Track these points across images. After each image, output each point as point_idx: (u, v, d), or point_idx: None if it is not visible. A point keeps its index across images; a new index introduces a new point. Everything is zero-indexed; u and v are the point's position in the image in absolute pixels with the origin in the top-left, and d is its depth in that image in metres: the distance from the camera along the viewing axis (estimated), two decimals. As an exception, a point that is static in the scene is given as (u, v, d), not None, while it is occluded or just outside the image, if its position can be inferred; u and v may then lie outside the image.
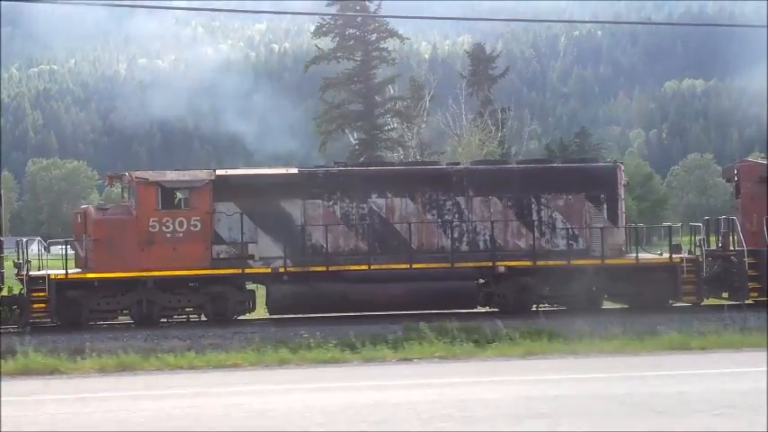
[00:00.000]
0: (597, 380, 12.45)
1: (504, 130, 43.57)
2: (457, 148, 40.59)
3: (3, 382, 12.81)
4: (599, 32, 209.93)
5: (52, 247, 22.56)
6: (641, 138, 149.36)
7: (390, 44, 43.76)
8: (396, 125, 42.76)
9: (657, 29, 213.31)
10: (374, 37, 42.51)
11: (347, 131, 43.38)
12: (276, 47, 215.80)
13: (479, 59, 48.93)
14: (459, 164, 23.37)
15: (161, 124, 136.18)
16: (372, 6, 42.66)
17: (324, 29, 42.26)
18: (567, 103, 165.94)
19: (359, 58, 42.14)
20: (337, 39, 42.28)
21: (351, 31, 42.27)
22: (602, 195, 21.58)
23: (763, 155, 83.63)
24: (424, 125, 41.91)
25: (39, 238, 25.85)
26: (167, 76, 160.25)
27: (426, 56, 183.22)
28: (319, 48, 42.97)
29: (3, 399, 10.81)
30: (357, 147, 42.62)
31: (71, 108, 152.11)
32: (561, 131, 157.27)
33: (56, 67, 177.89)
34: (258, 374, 13.71)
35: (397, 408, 10.10)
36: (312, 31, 43.49)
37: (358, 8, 42.16)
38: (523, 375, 12.91)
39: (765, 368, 12.08)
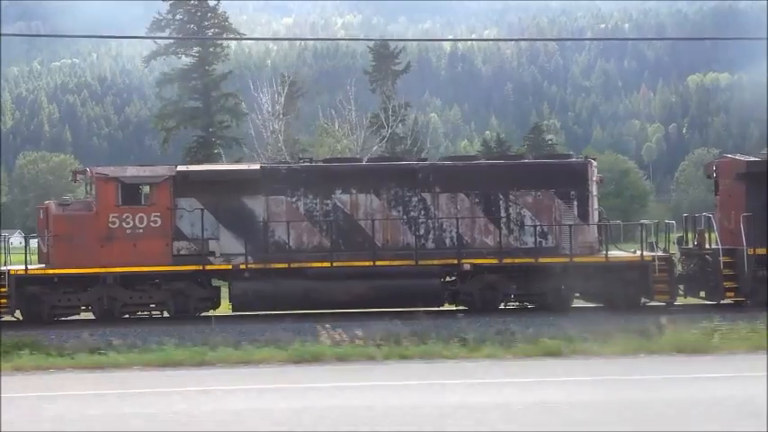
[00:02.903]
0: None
1: (393, 126, 42.89)
2: (335, 146, 40.25)
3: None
4: (626, 25, 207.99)
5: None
6: (660, 132, 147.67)
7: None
8: (228, 123, 42.56)
9: (686, 20, 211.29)
10: (211, 32, 42.17)
11: (189, 128, 43.16)
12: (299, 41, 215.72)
13: (382, 55, 48.24)
14: (425, 160, 23.00)
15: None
16: (212, 3, 42.34)
17: (162, 23, 41.85)
18: (589, 98, 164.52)
19: (196, 54, 41.83)
20: (175, 34, 41.92)
21: (190, 26, 41.85)
22: (573, 192, 21.08)
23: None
24: (280, 123, 41.44)
25: (7, 232, 25.82)
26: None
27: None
28: (157, 43, 42.67)
29: None
30: (194, 144, 42.39)
31: (87, 102, 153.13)
32: (582, 125, 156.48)
33: (77, 61, 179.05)
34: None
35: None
36: (148, 26, 42.89)
37: (194, 2, 41.88)
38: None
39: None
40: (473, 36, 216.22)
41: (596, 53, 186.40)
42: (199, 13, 41.52)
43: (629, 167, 69.73)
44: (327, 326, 15.71)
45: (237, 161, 35.53)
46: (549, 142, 64.43)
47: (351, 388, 11.43)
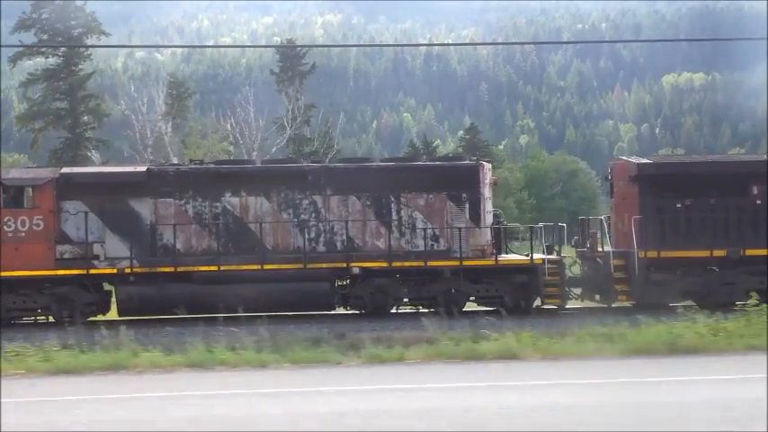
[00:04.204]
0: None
1: (294, 128, 42.60)
2: (215, 147, 39.99)
3: None
4: (603, 25, 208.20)
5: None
6: (632, 132, 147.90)
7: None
8: (93, 124, 42.47)
9: (662, 20, 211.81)
10: (77, 32, 41.93)
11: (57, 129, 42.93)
12: (278, 39, 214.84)
13: (287, 56, 47.69)
14: (318, 162, 22.85)
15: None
16: (79, 2, 42.13)
17: (28, 22, 41.48)
18: (563, 98, 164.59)
19: (62, 54, 41.59)
20: (41, 33, 41.56)
21: (57, 25, 41.51)
22: (464, 195, 20.91)
23: (742, 150, 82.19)
24: (166, 124, 41.20)
25: None
26: (159, 70, 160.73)
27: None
28: (22, 43, 42.37)
29: None
30: (60, 146, 42.19)
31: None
32: (556, 125, 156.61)
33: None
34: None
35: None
36: (13, 26, 42.30)
37: (59, 1, 41.67)
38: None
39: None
40: (451, 35, 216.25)
41: (572, 53, 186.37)
42: (65, 12, 41.19)
43: (579, 168, 69.55)
44: None
45: (104, 163, 35.30)
46: (485, 143, 64.01)
47: None
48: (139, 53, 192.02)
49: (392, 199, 20.88)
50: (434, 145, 58.56)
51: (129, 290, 20.17)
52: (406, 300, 21.12)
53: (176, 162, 24.48)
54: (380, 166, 21.46)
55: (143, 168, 21.19)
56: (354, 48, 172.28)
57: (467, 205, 20.95)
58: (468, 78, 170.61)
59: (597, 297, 21.65)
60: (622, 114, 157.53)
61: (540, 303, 21.08)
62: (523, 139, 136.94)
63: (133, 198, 20.39)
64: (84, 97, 42.35)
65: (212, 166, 21.76)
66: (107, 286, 21.16)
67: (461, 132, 73.22)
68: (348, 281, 21.02)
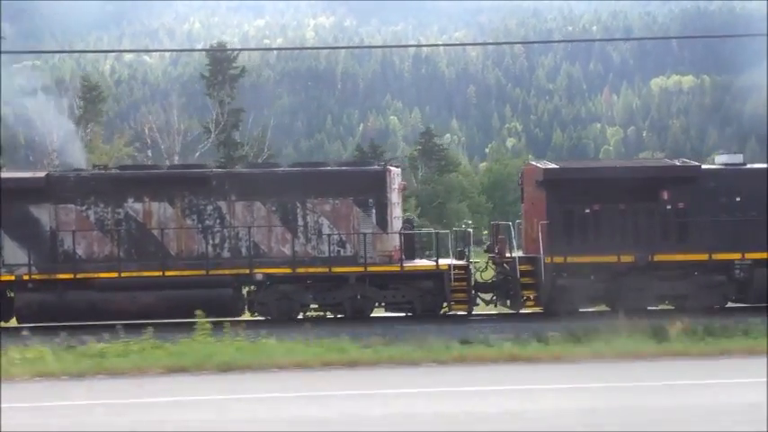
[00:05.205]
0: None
1: (218, 133, 42.25)
2: (118, 153, 39.62)
3: None
4: (594, 27, 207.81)
5: None
6: (619, 135, 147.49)
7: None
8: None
9: (654, 22, 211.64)
10: None
11: None
12: (268, 42, 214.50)
13: (217, 59, 47.32)
14: (223, 167, 22.65)
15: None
16: None
17: None
18: (552, 101, 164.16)
19: None
20: None
21: None
22: (371, 200, 20.71)
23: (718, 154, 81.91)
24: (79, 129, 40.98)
25: None
26: (146, 73, 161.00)
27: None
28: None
29: None
30: None
31: (43, 104, 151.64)
32: (543, 128, 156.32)
33: (38, 63, 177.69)
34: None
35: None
36: None
37: None
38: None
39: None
40: (443, 37, 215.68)
41: (562, 55, 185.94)
42: None
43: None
44: None
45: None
46: (441, 147, 63.21)
47: None
48: (128, 56, 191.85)
49: (298, 204, 20.67)
50: (381, 150, 58.09)
51: (27, 297, 19.99)
52: (313, 306, 20.90)
53: (79, 167, 24.34)
54: (286, 172, 21.22)
55: (42, 174, 20.99)
56: (343, 50, 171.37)
57: (373, 211, 20.73)
58: (457, 81, 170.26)
59: (508, 303, 21.44)
60: (610, 117, 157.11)
61: (447, 309, 20.88)
62: (510, 142, 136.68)
63: (32, 204, 20.20)
64: None
65: (115, 171, 21.53)
66: (10, 293, 20.93)
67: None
68: (251, 288, 20.84)
